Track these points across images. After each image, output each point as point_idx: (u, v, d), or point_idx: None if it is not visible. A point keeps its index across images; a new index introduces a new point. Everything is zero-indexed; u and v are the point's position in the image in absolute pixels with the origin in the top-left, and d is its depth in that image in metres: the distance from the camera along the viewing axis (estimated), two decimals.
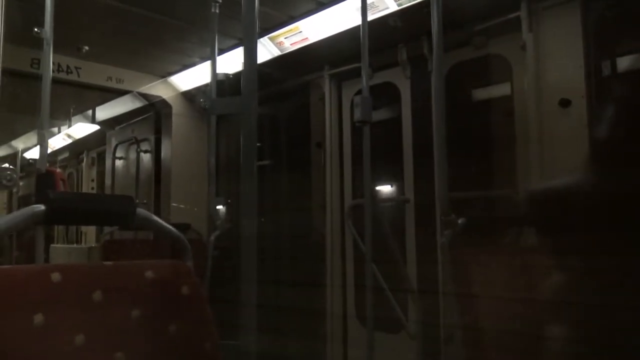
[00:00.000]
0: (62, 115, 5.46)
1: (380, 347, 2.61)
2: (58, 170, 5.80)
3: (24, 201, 6.23)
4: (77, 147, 6.74)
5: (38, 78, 2.49)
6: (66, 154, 7.13)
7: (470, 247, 1.92)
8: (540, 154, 2.56)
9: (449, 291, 2.12)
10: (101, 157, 6.89)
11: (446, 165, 2.13)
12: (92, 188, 6.73)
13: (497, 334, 1.71)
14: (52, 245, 5.75)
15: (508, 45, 2.84)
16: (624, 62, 2.46)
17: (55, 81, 2.59)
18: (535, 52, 2.62)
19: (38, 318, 1.07)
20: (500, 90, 3.01)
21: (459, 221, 1.98)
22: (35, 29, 2.46)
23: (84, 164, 7.00)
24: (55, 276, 1.13)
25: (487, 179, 3.01)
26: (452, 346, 2.45)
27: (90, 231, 6.56)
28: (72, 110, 5.44)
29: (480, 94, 3.18)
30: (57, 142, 6.51)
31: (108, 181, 6.01)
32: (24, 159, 6.83)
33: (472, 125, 3.10)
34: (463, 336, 1.86)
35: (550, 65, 2.58)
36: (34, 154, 6.88)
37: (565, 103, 2.48)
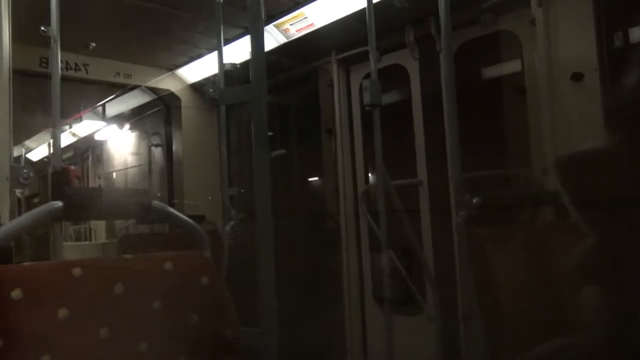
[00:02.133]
0: (73, 113, 5.48)
1: (399, 330, 2.63)
2: (73, 167, 5.86)
3: (29, 201, 6.28)
4: (83, 145, 6.77)
5: (45, 77, 2.50)
6: (71, 152, 7.17)
7: (486, 226, 1.91)
8: (552, 129, 2.53)
9: (466, 271, 2.12)
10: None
11: (458, 146, 2.12)
12: (99, 185, 6.78)
13: (516, 313, 1.70)
14: (63, 243, 5.79)
15: (517, 21, 2.80)
16: (636, 33, 2.41)
17: (63, 79, 2.60)
18: (545, 27, 2.58)
19: (62, 312, 1.08)
20: (511, 67, 2.97)
21: (474, 201, 1.96)
22: (42, 28, 2.46)
23: (89, 161, 7.05)
24: (77, 271, 1.15)
25: (501, 158, 2.98)
26: (471, 326, 2.45)
27: (100, 228, 6.63)
28: (82, 108, 5.46)
29: (491, 71, 3.14)
30: (62, 140, 6.53)
31: (118, 176, 6.05)
32: (27, 159, 6.88)
33: (483, 103, 3.07)
34: (482, 316, 1.86)
35: (561, 40, 2.54)
36: (36, 154, 6.95)
37: (577, 77, 2.45)
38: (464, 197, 1.99)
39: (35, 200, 6.14)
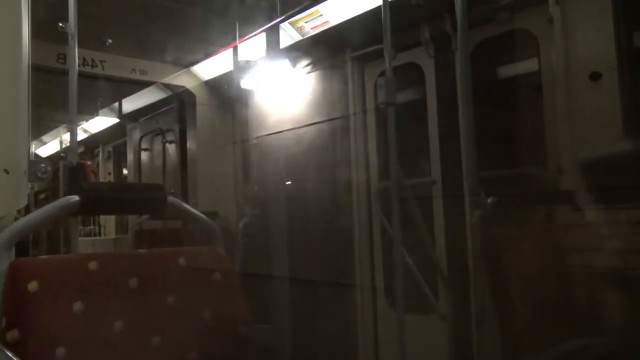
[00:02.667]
0: (90, 109, 5.54)
1: (411, 328, 2.62)
2: (89, 162, 5.92)
3: (36, 197, 6.33)
4: (93, 142, 6.83)
5: (60, 73, 2.52)
6: (81, 149, 7.24)
7: (501, 226, 1.89)
8: (570, 129, 2.50)
9: (480, 271, 2.10)
10: (116, 150, 7.01)
11: (474, 145, 2.10)
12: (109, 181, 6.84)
13: (531, 313, 1.69)
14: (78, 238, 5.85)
15: (534, 19, 2.77)
16: None
17: (80, 75, 2.63)
18: (563, 25, 2.55)
19: (78, 305, 1.10)
20: (528, 66, 2.94)
21: (489, 200, 1.95)
22: (60, 24, 2.49)
23: (99, 157, 7.11)
24: (92, 265, 1.16)
25: (517, 157, 2.96)
26: (484, 326, 2.44)
27: (109, 224, 6.69)
28: (99, 104, 5.52)
29: (507, 70, 3.11)
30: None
31: (130, 173, 6.09)
32: (37, 155, 6.95)
33: (499, 103, 3.04)
34: (496, 316, 1.85)
35: (579, 38, 2.50)
36: (45, 150, 7.03)
37: (595, 76, 2.41)
38: (479, 196, 1.98)
39: (42, 196, 6.20)
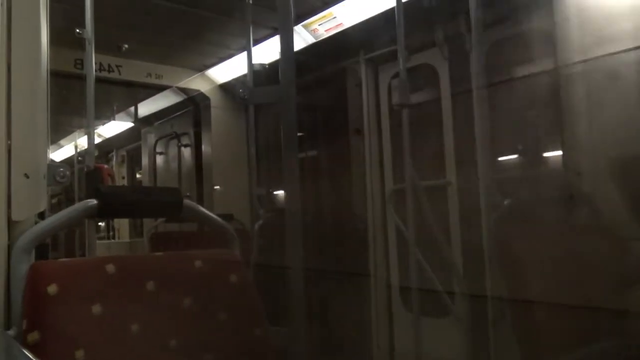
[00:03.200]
0: (106, 113, 5.61)
1: (427, 331, 2.60)
2: (106, 166, 5.99)
3: (50, 200, 6.40)
4: (106, 146, 6.90)
5: (78, 78, 2.56)
6: (95, 153, 7.29)
7: (518, 227, 1.87)
8: (589, 127, 2.47)
9: (496, 272, 2.09)
10: (130, 154, 7.08)
11: (489, 146, 2.09)
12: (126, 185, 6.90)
13: (550, 316, 1.67)
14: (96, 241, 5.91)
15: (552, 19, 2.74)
16: None
17: (97, 80, 2.66)
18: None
19: (96, 308, 1.11)
20: (544, 65, 2.91)
21: (505, 202, 1.93)
22: (77, 30, 2.53)
23: (113, 161, 7.18)
24: (110, 268, 1.17)
25: (534, 158, 2.93)
26: (500, 329, 2.42)
27: (123, 227, 6.75)
28: (114, 108, 5.58)
29: (524, 70, 3.09)
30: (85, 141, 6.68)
31: (145, 177, 6.14)
32: (51, 160, 7.02)
33: (515, 102, 3.01)
34: (513, 319, 1.83)
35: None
36: (58, 155, 7.11)
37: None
38: (495, 198, 1.97)
39: (54, 200, 6.27)
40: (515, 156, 2.98)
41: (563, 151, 2.53)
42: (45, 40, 1.19)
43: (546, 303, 1.62)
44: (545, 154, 2.89)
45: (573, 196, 2.10)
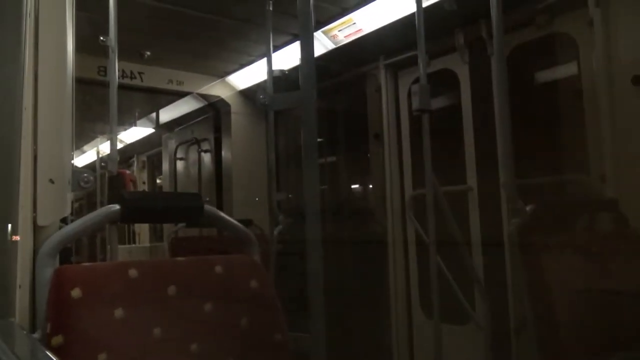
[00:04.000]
0: (128, 119, 5.69)
1: (447, 338, 2.57)
2: (128, 172, 6.08)
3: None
4: (127, 151, 7.00)
5: (101, 84, 2.60)
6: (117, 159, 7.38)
7: (541, 235, 1.85)
8: (612, 135, 2.43)
9: (518, 280, 2.05)
10: (150, 160, 7.17)
11: (511, 151, 2.06)
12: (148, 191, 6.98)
13: (572, 324, 1.64)
14: (118, 246, 5.98)
15: (574, 22, 2.70)
16: None
17: (120, 87, 2.70)
18: (604, 28, 2.48)
19: (119, 312, 1.12)
20: (567, 70, 2.87)
21: (527, 208, 1.90)
22: (101, 38, 2.58)
23: (134, 167, 7.27)
24: (132, 272, 1.18)
25: (557, 164, 2.88)
26: (523, 337, 2.37)
27: (143, 231, 6.83)
28: (136, 114, 5.66)
29: (545, 75, 3.05)
30: (106, 147, 6.78)
31: (165, 182, 6.21)
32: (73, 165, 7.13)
33: (537, 108, 2.98)
34: (536, 327, 1.80)
35: (621, 41, 2.43)
36: (79, 161, 7.22)
37: (638, 80, 2.34)
38: (517, 204, 1.94)
39: (75, 205, 6.37)
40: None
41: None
42: (71, 49, 1.22)
43: None
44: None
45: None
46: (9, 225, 1.11)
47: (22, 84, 1.10)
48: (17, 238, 1.09)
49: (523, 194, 1.95)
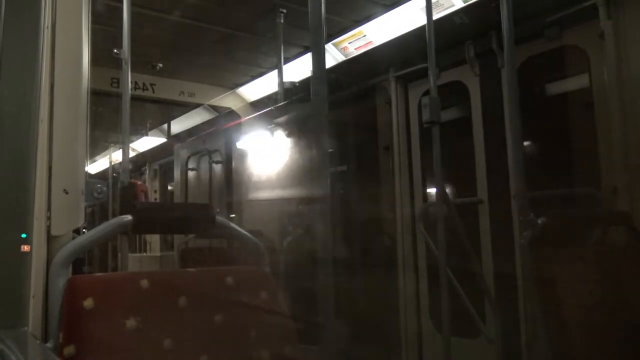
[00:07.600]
0: (140, 130, 5.75)
1: (457, 352, 2.55)
2: (139, 182, 6.12)
3: None
4: (139, 160, 7.05)
5: (114, 96, 2.63)
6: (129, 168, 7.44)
7: (553, 247, 1.83)
8: (625, 147, 2.41)
9: (529, 293, 2.03)
10: (162, 169, 7.20)
11: (522, 164, 2.05)
12: (155, 199, 7.04)
13: (586, 340, 1.62)
14: (129, 255, 6.01)
15: (584, 35, 2.70)
16: None
17: (132, 98, 2.73)
18: (615, 40, 2.47)
19: (130, 322, 1.12)
20: (578, 82, 2.86)
21: (539, 221, 1.89)
22: (115, 50, 2.62)
23: (146, 175, 7.32)
24: (144, 283, 1.19)
25: (567, 177, 2.86)
26: (534, 352, 2.35)
27: (154, 241, 6.86)
28: (148, 125, 5.72)
29: (556, 87, 3.04)
30: (119, 155, 6.85)
31: (177, 192, 6.23)
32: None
33: (548, 121, 2.96)
34: (547, 343, 1.78)
35: (632, 53, 2.43)
36: (90, 169, 7.29)
37: None
38: (528, 216, 1.93)
39: (88, 210, 6.40)
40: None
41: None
42: (87, 61, 1.23)
43: None
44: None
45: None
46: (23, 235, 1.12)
47: (39, 95, 1.12)
48: (27, 249, 1.10)
49: (533, 207, 1.93)
